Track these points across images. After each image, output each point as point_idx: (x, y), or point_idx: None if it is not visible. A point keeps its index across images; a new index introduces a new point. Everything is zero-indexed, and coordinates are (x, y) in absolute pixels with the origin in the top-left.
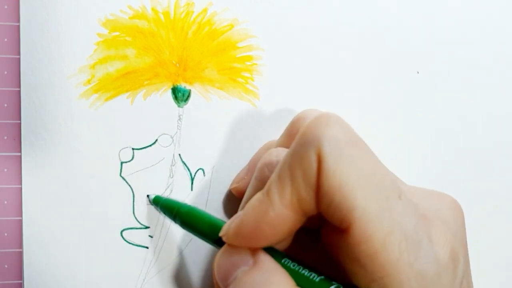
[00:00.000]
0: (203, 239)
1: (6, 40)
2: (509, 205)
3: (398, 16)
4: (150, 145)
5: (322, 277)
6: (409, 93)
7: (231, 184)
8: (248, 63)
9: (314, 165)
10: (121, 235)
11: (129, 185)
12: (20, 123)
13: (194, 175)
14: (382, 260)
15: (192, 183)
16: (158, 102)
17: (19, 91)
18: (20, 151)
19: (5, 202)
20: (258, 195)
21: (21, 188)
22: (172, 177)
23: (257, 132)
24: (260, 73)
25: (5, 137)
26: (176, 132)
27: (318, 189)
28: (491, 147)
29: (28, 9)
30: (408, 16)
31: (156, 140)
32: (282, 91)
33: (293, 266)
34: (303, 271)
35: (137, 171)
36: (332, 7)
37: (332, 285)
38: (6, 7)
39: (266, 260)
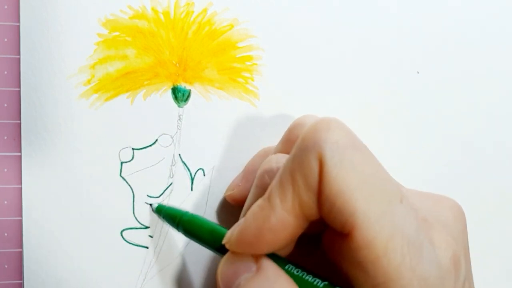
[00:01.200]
0: (206, 247)
1: (6, 40)
2: (510, 206)
3: (398, 16)
4: (150, 145)
5: (326, 282)
6: (409, 93)
7: (226, 191)
8: (248, 63)
9: (315, 170)
10: (121, 235)
11: (129, 185)
12: (20, 123)
13: (194, 175)
14: (385, 265)
15: (192, 183)
16: (158, 102)
17: (19, 91)
18: (20, 151)
19: (5, 202)
20: (259, 201)
21: (21, 188)
22: (172, 177)
23: (257, 132)
24: (260, 73)
25: (5, 137)
26: (176, 132)
27: (320, 194)
28: (491, 147)
29: (28, 9)
30: (408, 16)
31: (156, 140)
32: (282, 91)
33: (297, 272)
34: (307, 277)
35: (137, 171)
36: (332, 7)
37: None
38: (6, 7)
39: (270, 266)
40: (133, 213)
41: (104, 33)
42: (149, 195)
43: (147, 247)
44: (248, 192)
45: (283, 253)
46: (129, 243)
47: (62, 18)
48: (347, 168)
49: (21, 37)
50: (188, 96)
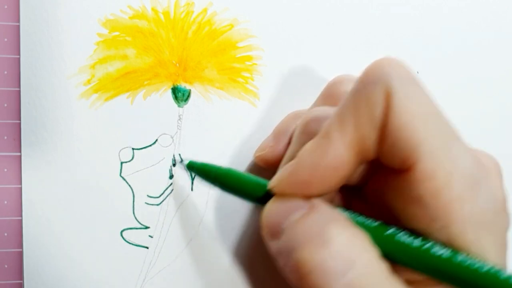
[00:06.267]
0: (245, 199)
1: (6, 40)
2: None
3: (398, 16)
4: (150, 145)
5: (380, 222)
6: None
7: (256, 152)
8: (248, 63)
9: (381, 102)
10: (121, 235)
11: (129, 185)
12: (20, 123)
13: (194, 175)
14: (445, 197)
15: (192, 183)
16: (158, 102)
17: (19, 91)
18: (20, 151)
19: (5, 202)
20: (313, 140)
21: (21, 188)
22: (172, 177)
23: (257, 132)
24: (260, 73)
25: (5, 137)
26: (176, 132)
27: (384, 128)
28: (492, 147)
29: (28, 9)
30: (408, 16)
31: (156, 140)
32: (282, 91)
33: (348, 213)
34: (359, 217)
35: (137, 171)
36: (332, 7)
37: (391, 228)
38: (6, 7)
39: (323, 205)
40: (133, 213)
41: (104, 33)
42: (149, 195)
43: (147, 247)
44: (280, 153)
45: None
46: (129, 243)
47: (62, 18)
48: (414, 101)
49: (21, 37)
50: (188, 96)
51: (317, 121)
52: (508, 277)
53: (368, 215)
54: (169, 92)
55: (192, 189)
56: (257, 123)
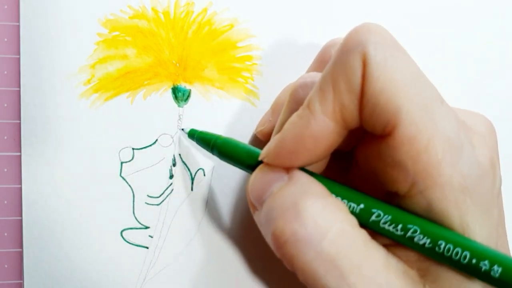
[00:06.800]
0: (241, 168)
1: (6, 40)
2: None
3: (398, 16)
4: (150, 145)
5: (364, 202)
6: None
7: (257, 128)
8: (248, 63)
9: (358, 70)
10: (121, 235)
11: (129, 185)
12: (20, 123)
13: (194, 175)
14: (425, 161)
15: (192, 183)
16: (158, 102)
17: (19, 91)
18: (20, 151)
19: (5, 202)
20: (298, 111)
21: (21, 188)
22: (172, 177)
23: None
24: (260, 73)
25: (5, 137)
26: (176, 132)
27: (363, 95)
28: None
29: (28, 9)
30: (408, 16)
31: (156, 140)
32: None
33: (330, 182)
34: (337, 184)
35: (137, 171)
36: (332, 7)
37: (374, 211)
38: (6, 7)
39: (301, 175)
40: (133, 213)
41: (104, 33)
42: (149, 195)
43: (147, 247)
44: None
45: (316, 170)
46: (129, 243)
47: (62, 18)
48: (391, 67)
49: (21, 37)
50: (188, 96)
51: (305, 87)
52: (488, 270)
53: (361, 180)
54: (169, 92)
55: (192, 189)
56: (257, 123)
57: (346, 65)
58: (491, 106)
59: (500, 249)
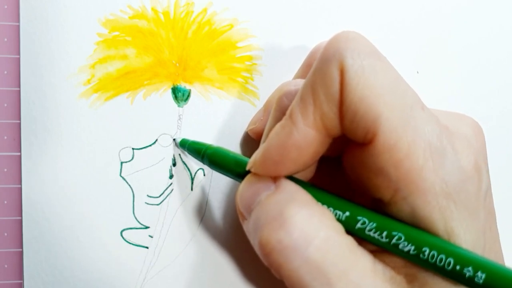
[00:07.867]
0: (230, 176)
1: (6, 40)
2: (510, 206)
3: (398, 15)
4: (150, 145)
5: (349, 210)
6: None
7: (248, 126)
8: (248, 63)
9: (336, 79)
10: (121, 235)
11: (129, 185)
12: (20, 123)
13: (194, 175)
14: (407, 167)
15: (192, 183)
16: (158, 102)
17: (19, 91)
18: (20, 151)
19: (5, 202)
20: (281, 121)
21: (21, 188)
22: (172, 177)
23: None
24: (260, 73)
25: (5, 137)
26: (176, 132)
27: (342, 104)
28: (491, 147)
29: (28, 9)
30: (408, 15)
31: (156, 140)
32: None
33: (318, 191)
34: (323, 192)
35: (137, 171)
36: (331, 7)
37: (360, 218)
38: (6, 7)
39: (288, 184)
40: (133, 213)
41: (104, 33)
42: (149, 195)
43: (147, 247)
44: None
45: (304, 177)
46: (129, 243)
47: (62, 18)
48: (369, 75)
49: (21, 37)
50: (188, 96)
51: (290, 96)
52: (472, 276)
53: (349, 186)
54: (169, 92)
55: (192, 189)
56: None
57: (325, 75)
58: (488, 108)
59: (488, 253)
